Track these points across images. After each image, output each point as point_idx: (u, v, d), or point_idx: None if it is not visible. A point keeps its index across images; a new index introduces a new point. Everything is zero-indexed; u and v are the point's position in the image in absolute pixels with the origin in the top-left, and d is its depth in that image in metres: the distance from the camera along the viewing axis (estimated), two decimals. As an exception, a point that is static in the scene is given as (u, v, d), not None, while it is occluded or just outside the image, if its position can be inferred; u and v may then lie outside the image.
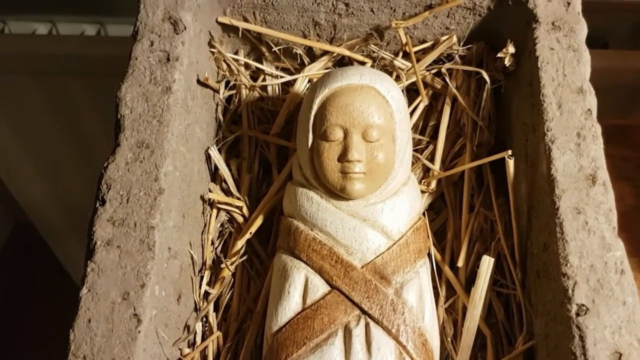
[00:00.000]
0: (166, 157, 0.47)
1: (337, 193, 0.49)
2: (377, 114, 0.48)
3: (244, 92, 0.61)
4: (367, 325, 0.46)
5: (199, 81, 0.54)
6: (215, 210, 0.56)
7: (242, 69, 0.61)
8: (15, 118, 1.09)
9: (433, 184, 0.57)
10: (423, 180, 0.57)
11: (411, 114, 0.59)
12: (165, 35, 0.52)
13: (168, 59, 0.51)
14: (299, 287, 0.47)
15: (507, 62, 0.55)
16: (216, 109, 0.59)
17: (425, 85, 0.60)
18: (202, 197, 0.54)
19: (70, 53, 0.99)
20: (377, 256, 0.48)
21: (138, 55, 0.51)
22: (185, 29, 0.52)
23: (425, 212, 0.57)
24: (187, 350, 0.49)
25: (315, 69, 0.61)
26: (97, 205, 0.46)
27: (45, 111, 1.07)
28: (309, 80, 0.60)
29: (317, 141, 0.48)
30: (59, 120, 1.09)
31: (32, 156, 1.15)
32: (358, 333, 0.45)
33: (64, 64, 1.00)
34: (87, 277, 0.44)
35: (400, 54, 0.60)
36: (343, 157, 0.47)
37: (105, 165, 0.47)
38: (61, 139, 1.12)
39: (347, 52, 0.60)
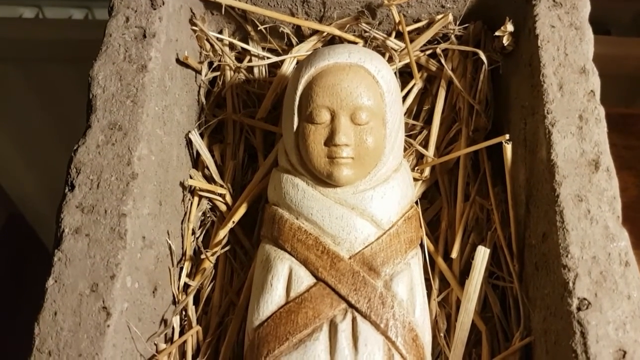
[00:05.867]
0: (140, 139, 0.44)
1: (324, 179, 0.46)
2: (366, 94, 0.45)
3: (229, 73, 0.58)
4: (354, 319, 0.43)
5: (178, 60, 0.51)
6: (196, 198, 0.53)
7: (227, 49, 0.58)
8: (1, 106, 1.06)
9: (427, 171, 0.54)
10: (416, 167, 0.54)
11: (405, 97, 0.56)
12: (141, 10, 0.49)
13: (144, 36, 0.48)
14: (283, 279, 0.45)
15: (505, 41, 0.51)
16: (198, 91, 0.56)
17: (420, 67, 0.57)
18: (182, 184, 0.52)
19: (57, 38, 0.96)
20: (366, 246, 0.45)
21: (112, 32, 0.48)
22: (163, 4, 0.49)
23: (419, 200, 0.54)
24: (162, 346, 0.46)
25: (303, 50, 0.58)
26: (66, 190, 0.43)
27: (32, 98, 1.05)
28: (298, 62, 0.57)
29: (303, 124, 0.46)
30: (46, 107, 1.06)
31: (20, 146, 1.13)
32: (344, 328, 0.43)
33: (51, 50, 0.97)
34: (53, 267, 0.41)
35: (393, 33, 0.57)
36: (330, 140, 0.45)
37: (75, 148, 0.44)
38: (49, 127, 1.09)
39: (337, 32, 0.57)
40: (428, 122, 0.56)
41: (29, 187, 1.20)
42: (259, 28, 0.57)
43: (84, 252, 0.41)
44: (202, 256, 0.51)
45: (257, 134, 0.57)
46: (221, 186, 0.53)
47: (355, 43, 0.57)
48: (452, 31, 0.56)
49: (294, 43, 0.58)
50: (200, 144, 0.53)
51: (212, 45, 0.57)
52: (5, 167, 1.16)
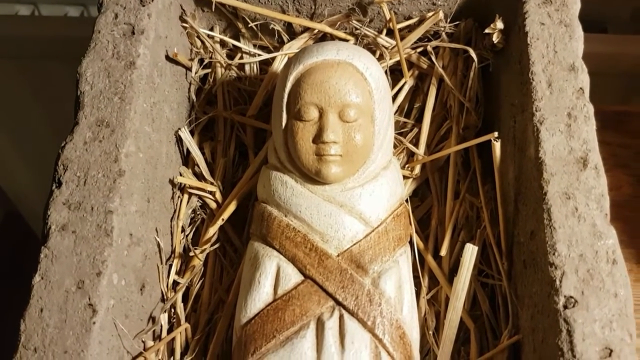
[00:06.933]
0: (128, 136, 0.44)
1: (313, 177, 0.46)
2: (354, 92, 0.44)
3: (220, 71, 0.58)
4: (341, 317, 0.43)
5: (168, 57, 0.51)
6: (186, 196, 0.53)
7: (218, 46, 0.58)
8: (-3, 103, 1.06)
9: (417, 169, 0.54)
10: (407, 165, 0.54)
11: (395, 95, 0.56)
12: (130, 7, 0.48)
13: (133, 32, 0.47)
14: (270, 276, 0.45)
15: (495, 38, 0.51)
16: (189, 89, 0.56)
17: (410, 64, 0.57)
18: (171, 182, 0.52)
19: (53, 35, 0.96)
20: (354, 244, 0.45)
21: (101, 29, 0.48)
22: (152, 0, 0.49)
23: (409, 198, 0.54)
24: (150, 343, 0.46)
25: (295, 47, 0.57)
26: (53, 187, 0.43)
27: (28, 96, 1.04)
28: (287, 60, 0.57)
29: (291, 121, 0.45)
30: (42, 105, 1.06)
31: (16, 143, 1.13)
32: (331, 325, 0.42)
33: (47, 47, 0.97)
34: (40, 263, 0.41)
35: (384, 31, 0.57)
36: (318, 138, 0.44)
37: (62, 144, 0.44)
38: (46, 125, 1.09)
39: (328, 29, 0.57)
40: (419, 120, 0.56)
41: (26, 185, 1.19)
42: (250, 25, 0.57)
43: (70, 249, 0.41)
44: (192, 254, 0.50)
45: (247, 131, 0.57)
46: (211, 184, 0.53)
47: (346, 40, 0.57)
48: (442, 29, 0.56)
49: (285, 40, 0.58)
50: (190, 141, 0.53)
51: (202, 42, 0.57)
52: (1, 165, 1.16)
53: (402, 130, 0.56)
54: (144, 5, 0.48)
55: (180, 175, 0.53)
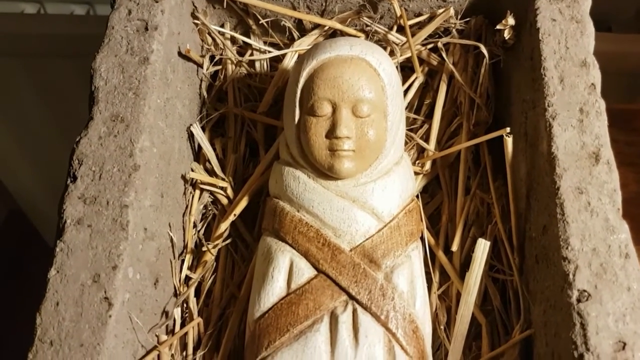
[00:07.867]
0: (142, 131, 0.44)
1: (325, 172, 0.46)
2: (367, 87, 0.45)
3: (230, 67, 0.58)
4: (354, 311, 0.43)
5: (180, 54, 0.51)
6: (197, 191, 0.53)
7: (228, 43, 0.58)
8: (2, 101, 1.06)
9: (427, 165, 0.54)
10: (417, 161, 0.54)
11: (406, 91, 0.56)
12: (143, 3, 0.49)
13: (146, 28, 0.48)
14: (284, 271, 0.45)
15: (506, 35, 0.52)
16: (200, 85, 0.56)
17: (421, 61, 0.57)
18: (183, 177, 0.52)
19: (59, 33, 0.96)
20: (367, 239, 0.45)
21: (115, 24, 0.48)
22: (165, -3, 0.49)
23: (420, 194, 0.54)
24: (164, 337, 0.46)
25: (305, 44, 0.58)
26: (68, 182, 0.44)
27: (33, 94, 1.05)
28: (299, 56, 0.57)
29: (304, 117, 0.46)
30: (47, 103, 1.06)
31: (20, 141, 1.13)
32: (345, 319, 0.43)
33: (52, 45, 0.97)
34: (55, 257, 0.41)
35: (395, 27, 0.57)
36: (331, 133, 0.45)
37: (77, 139, 0.44)
38: (50, 123, 1.09)
39: (338, 26, 0.57)
40: (429, 116, 0.56)
41: (29, 184, 1.20)
42: (260, 22, 0.57)
43: (86, 243, 0.41)
44: (204, 249, 0.51)
45: (258, 127, 0.57)
46: (222, 179, 0.53)
47: (357, 37, 0.57)
48: (453, 25, 0.56)
49: (296, 37, 0.59)
50: (201, 137, 0.53)
51: (213, 39, 0.57)
52: (6, 163, 1.16)
53: (413, 127, 0.56)
54: (157, 2, 0.49)
55: (192, 170, 0.53)
